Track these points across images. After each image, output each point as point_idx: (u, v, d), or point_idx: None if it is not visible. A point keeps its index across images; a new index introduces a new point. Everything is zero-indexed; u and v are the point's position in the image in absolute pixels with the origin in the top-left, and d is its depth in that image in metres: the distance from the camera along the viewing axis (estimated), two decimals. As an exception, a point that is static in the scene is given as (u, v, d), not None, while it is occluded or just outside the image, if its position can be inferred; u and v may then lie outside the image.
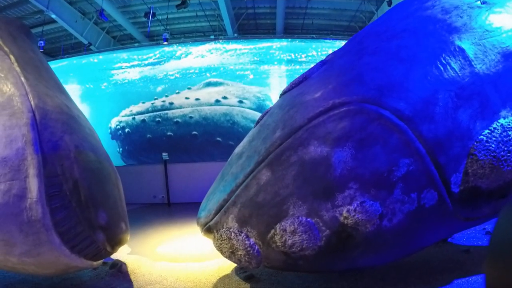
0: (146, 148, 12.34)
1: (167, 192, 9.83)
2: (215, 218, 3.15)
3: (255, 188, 2.96)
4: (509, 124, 2.94)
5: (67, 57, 13.87)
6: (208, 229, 3.26)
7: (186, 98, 12.28)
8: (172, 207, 9.63)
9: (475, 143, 2.90)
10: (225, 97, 11.85)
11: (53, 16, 13.90)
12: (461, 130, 2.91)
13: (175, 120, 12.03)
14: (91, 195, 3.40)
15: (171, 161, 9.93)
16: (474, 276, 3.85)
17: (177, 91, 12.88)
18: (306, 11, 15.25)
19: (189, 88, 12.94)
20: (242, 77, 13.04)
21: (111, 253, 3.77)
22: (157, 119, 12.13)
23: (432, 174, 2.87)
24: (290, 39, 12.04)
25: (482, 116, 2.95)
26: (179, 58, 12.79)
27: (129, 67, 13.22)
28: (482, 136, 2.91)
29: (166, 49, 12.86)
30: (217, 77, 12.87)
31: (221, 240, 3.14)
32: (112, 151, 12.81)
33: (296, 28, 16.73)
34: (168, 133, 11.97)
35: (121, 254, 4.98)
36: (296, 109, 3.15)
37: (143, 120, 12.34)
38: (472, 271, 4.02)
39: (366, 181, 2.76)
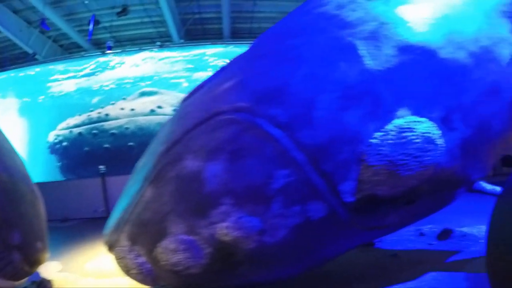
0: (84, 161, 12.00)
1: (106, 205, 9.36)
2: (113, 236, 3.06)
3: (141, 205, 2.86)
4: (406, 124, 2.63)
5: (3, 70, 13.25)
6: (109, 247, 3.13)
7: (121, 108, 12.09)
8: (112, 220, 9.21)
9: (366, 147, 2.59)
10: (159, 107, 11.69)
11: (-3, 25, 13.27)
12: (349, 134, 2.60)
13: (111, 131, 11.81)
14: (4, 216, 3.35)
15: (109, 174, 9.56)
16: (401, 284, 3.66)
17: (112, 102, 12.61)
18: (253, 15, 15.04)
19: (124, 99, 12.68)
20: (176, 86, 12.83)
21: (31, 272, 3.75)
22: (93, 131, 11.92)
23: (316, 184, 2.59)
24: (224, 45, 11.87)
25: (374, 117, 2.63)
26: (113, 68, 12.51)
27: (65, 79, 12.95)
28: (373, 139, 2.59)
29: (101, 59, 12.53)
30: (151, 86, 12.66)
31: (117, 259, 3.07)
32: (51, 165, 12.61)
33: (244, 32, 16.45)
34: (105, 145, 11.70)
35: (51, 271, 4.92)
36: (179, 121, 3.06)
37: (80, 133, 12.10)
38: (399, 278, 3.83)
39: (241, 195, 2.56)
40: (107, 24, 14.92)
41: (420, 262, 4.36)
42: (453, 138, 2.82)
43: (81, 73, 12.83)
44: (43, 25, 13.32)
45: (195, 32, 16.18)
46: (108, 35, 15.76)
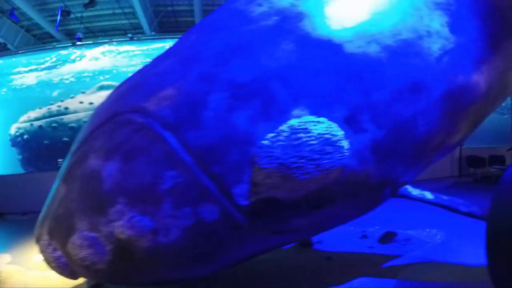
0: (44, 154, 11.82)
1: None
2: (38, 230, 3.06)
3: (57, 201, 2.89)
4: (301, 125, 2.43)
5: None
6: (36, 241, 3.13)
7: (81, 102, 11.89)
8: (69, 214, 9.18)
9: (258, 149, 2.44)
10: (117, 101, 11.48)
11: (-34, 15, 13.04)
12: (238, 135, 2.47)
13: (70, 125, 11.60)
14: None
15: (68, 168, 9.27)
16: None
17: (72, 96, 12.42)
18: (227, 8, 14.78)
19: (83, 92, 12.47)
20: (134, 80, 12.67)
21: None
22: (53, 124, 11.76)
23: (207, 186, 2.49)
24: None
25: (267, 117, 2.47)
26: (74, 61, 12.31)
27: (27, 72, 12.85)
28: (265, 141, 2.44)
29: (62, 52, 12.33)
30: (110, 80, 12.45)
31: (40, 252, 3.07)
32: (12, 158, 12.40)
33: (218, 26, 16.21)
34: (64, 139, 11.47)
35: (1, 263, 5.07)
36: (91, 119, 3.06)
37: (40, 126, 11.93)
38: (327, 282, 3.78)
39: (133, 195, 2.54)
40: (79, 15, 14.56)
41: (353, 266, 4.27)
42: (361, 139, 2.64)
43: (43, 66, 12.67)
44: (12, 15, 13.07)
45: (168, 24, 15.87)
46: (81, 25, 15.39)
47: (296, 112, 2.47)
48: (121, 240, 2.59)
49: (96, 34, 16.44)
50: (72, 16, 14.32)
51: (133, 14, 14.69)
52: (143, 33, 14.80)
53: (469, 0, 3.28)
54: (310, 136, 2.42)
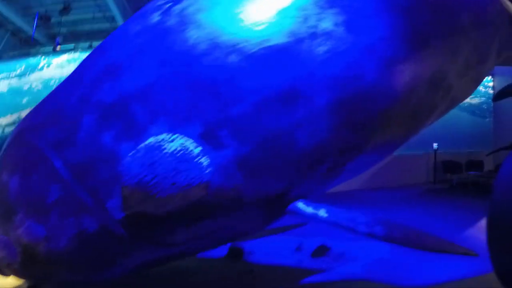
0: None
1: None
2: None
3: None
4: (156, 143, 2.62)
5: None
6: None
7: None
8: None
9: (121, 167, 2.78)
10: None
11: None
12: (106, 154, 2.82)
13: None
14: None
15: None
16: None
17: None
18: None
19: None
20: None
21: None
22: None
23: (85, 200, 2.86)
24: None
25: (128, 136, 2.77)
26: (42, 69, 12.70)
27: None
28: (127, 159, 2.77)
29: (31, 60, 12.72)
30: None
31: None
32: None
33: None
34: None
35: None
36: (9, 136, 3.47)
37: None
38: None
39: (28, 206, 2.96)
40: (60, 19, 14.92)
41: (273, 281, 4.31)
42: (223, 155, 2.70)
43: (14, 74, 13.09)
44: None
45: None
46: (63, 29, 15.72)
47: (153, 130, 2.74)
48: (25, 244, 3.01)
49: (80, 38, 16.77)
50: (54, 20, 14.70)
51: (113, 18, 15.00)
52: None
53: None
54: (164, 154, 2.65)
